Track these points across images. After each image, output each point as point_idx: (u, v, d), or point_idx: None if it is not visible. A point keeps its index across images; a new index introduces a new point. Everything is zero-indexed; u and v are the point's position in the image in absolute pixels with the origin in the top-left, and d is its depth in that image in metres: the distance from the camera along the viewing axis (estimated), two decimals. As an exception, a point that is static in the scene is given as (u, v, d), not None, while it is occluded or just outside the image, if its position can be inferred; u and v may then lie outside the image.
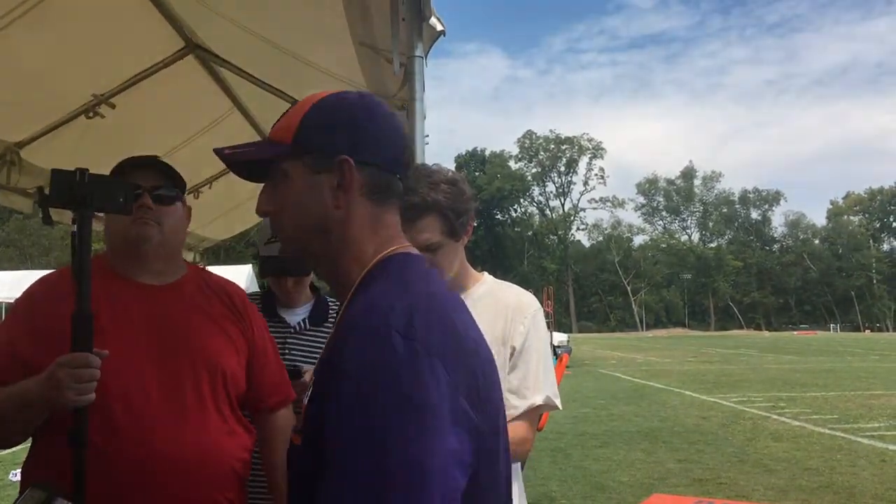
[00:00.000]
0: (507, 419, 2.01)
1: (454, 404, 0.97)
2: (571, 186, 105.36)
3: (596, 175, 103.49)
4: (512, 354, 2.04)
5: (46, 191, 1.70)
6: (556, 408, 2.09)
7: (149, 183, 1.94)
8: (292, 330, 2.59)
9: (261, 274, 2.55)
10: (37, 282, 1.96)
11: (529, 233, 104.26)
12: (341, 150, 1.12)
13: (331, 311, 2.68)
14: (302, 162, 1.13)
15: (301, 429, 1.07)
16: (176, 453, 1.78)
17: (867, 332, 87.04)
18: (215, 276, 2.16)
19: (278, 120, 1.18)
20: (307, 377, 2.20)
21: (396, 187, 1.18)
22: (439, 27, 2.29)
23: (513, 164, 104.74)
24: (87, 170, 1.69)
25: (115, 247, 1.98)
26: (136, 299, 1.91)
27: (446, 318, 1.05)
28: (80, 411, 1.65)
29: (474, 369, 1.04)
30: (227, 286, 2.12)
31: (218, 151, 1.18)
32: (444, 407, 0.96)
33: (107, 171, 1.92)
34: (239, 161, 1.20)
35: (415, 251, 1.19)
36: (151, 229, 1.93)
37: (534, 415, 2.06)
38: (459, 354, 1.02)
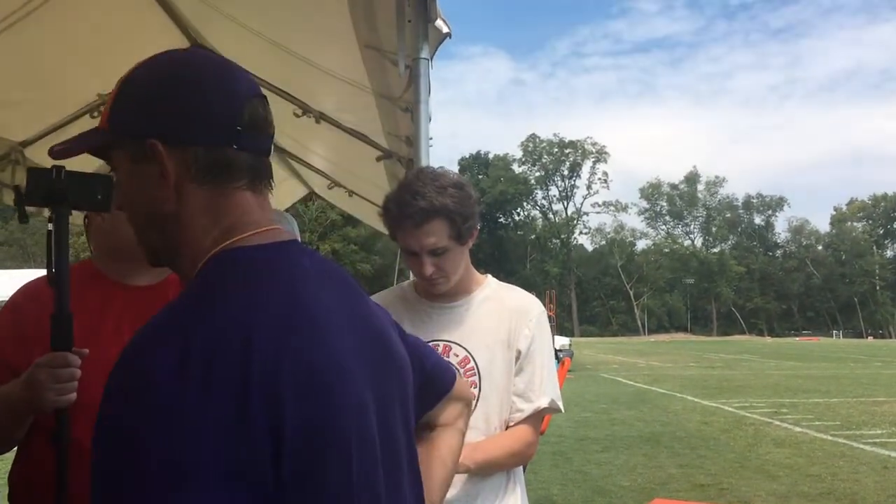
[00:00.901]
0: (513, 422, 2.02)
1: (230, 448, 0.80)
2: (574, 190, 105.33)
3: (599, 179, 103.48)
4: (517, 358, 2.03)
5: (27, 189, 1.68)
6: (560, 410, 2.08)
7: None
8: None
9: None
10: (21, 288, 1.93)
11: (532, 236, 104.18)
12: (149, 131, 0.94)
13: None
14: (123, 149, 0.97)
15: None
16: None
17: (870, 338, 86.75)
18: None
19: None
20: None
21: (239, 161, 0.97)
22: (445, 29, 2.28)
23: (516, 168, 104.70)
24: (64, 167, 1.66)
25: (117, 251, 1.95)
26: (125, 301, 1.90)
27: (249, 336, 0.85)
28: (62, 412, 1.62)
29: (274, 403, 0.84)
30: None
31: (49, 151, 1.04)
32: (211, 455, 0.80)
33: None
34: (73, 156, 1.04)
35: (257, 240, 0.98)
36: None
37: (538, 417, 2.06)
38: (256, 384, 0.83)
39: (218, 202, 0.97)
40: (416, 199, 1.87)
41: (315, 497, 0.88)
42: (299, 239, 1.54)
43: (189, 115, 0.95)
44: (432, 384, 1.30)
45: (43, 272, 1.71)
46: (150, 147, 0.94)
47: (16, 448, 1.83)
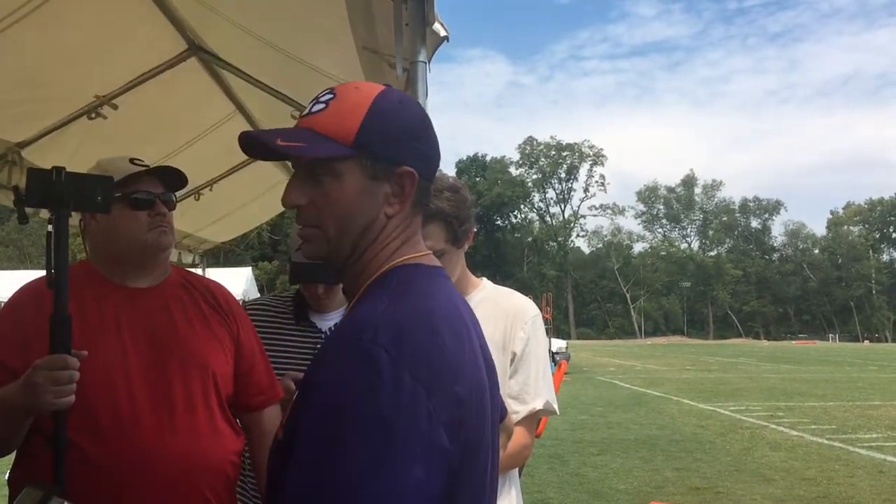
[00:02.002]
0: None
1: (430, 434, 0.95)
2: (572, 193, 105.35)
3: (596, 182, 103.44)
4: (512, 360, 2.04)
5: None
6: (555, 412, 2.09)
7: (157, 189, 1.94)
8: (323, 335, 2.46)
9: (291, 280, 2.51)
10: (21, 289, 1.92)
11: (529, 239, 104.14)
12: (404, 160, 1.10)
13: None
14: (360, 165, 1.09)
15: (280, 437, 1.07)
16: (163, 457, 1.76)
17: (866, 342, 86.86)
18: (198, 275, 2.14)
19: (321, 110, 1.11)
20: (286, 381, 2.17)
21: (429, 195, 1.18)
22: (443, 32, 2.29)
23: (513, 170, 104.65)
24: (64, 168, 1.66)
25: (117, 253, 1.94)
26: (125, 303, 1.89)
27: (439, 339, 1.01)
28: (60, 414, 1.61)
29: (462, 396, 1.00)
30: (211, 285, 2.09)
31: (262, 138, 1.10)
32: (418, 437, 0.93)
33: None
34: (287, 154, 1.11)
35: (427, 261, 1.16)
36: (169, 237, 1.94)
37: (533, 419, 2.07)
38: (446, 380, 0.99)
39: (409, 223, 1.15)
40: None
41: (464, 493, 1.01)
42: None
43: (431, 155, 1.16)
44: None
45: (40, 273, 1.70)
46: (405, 173, 1.10)
47: (16, 450, 1.83)
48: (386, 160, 1.10)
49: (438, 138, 1.18)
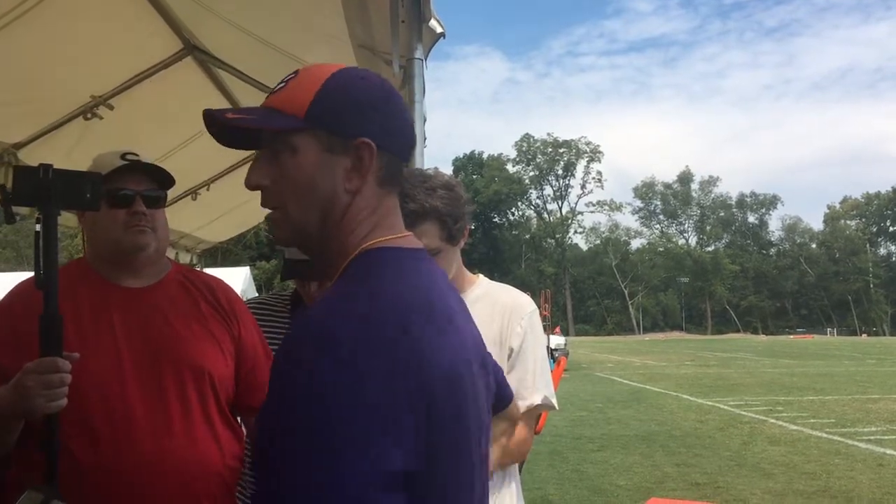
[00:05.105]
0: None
1: (384, 426, 0.93)
2: (569, 190, 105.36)
3: (593, 178, 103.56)
4: (510, 355, 2.04)
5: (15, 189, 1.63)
6: (554, 407, 2.09)
7: (140, 186, 1.87)
8: None
9: (282, 277, 2.49)
10: (13, 289, 1.88)
11: (527, 236, 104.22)
12: (363, 132, 1.06)
13: None
14: (315, 138, 1.06)
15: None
16: (159, 463, 1.72)
17: (864, 336, 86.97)
18: (200, 273, 2.08)
19: (280, 88, 1.11)
20: None
21: (401, 175, 1.14)
22: (439, 29, 2.29)
23: (510, 168, 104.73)
24: (52, 165, 1.62)
25: (102, 253, 1.91)
26: (120, 304, 1.85)
27: (405, 324, 0.97)
28: (52, 417, 1.58)
29: (432, 380, 0.97)
30: (212, 283, 2.03)
31: (214, 113, 1.10)
32: (370, 429, 0.92)
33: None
34: (237, 127, 1.11)
35: (407, 243, 1.11)
36: (148, 237, 1.86)
37: (532, 415, 2.06)
38: (409, 366, 0.95)
39: (380, 202, 1.10)
40: (405, 201, 1.87)
41: (442, 487, 0.98)
42: None
43: (396, 129, 1.10)
44: (496, 398, 1.39)
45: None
46: (362, 144, 1.05)
47: (12, 453, 1.81)
48: (341, 132, 1.06)
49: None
